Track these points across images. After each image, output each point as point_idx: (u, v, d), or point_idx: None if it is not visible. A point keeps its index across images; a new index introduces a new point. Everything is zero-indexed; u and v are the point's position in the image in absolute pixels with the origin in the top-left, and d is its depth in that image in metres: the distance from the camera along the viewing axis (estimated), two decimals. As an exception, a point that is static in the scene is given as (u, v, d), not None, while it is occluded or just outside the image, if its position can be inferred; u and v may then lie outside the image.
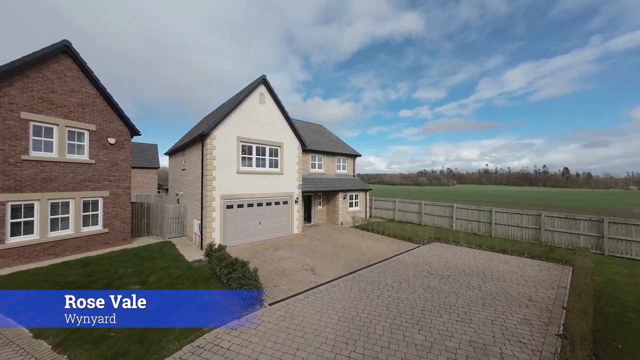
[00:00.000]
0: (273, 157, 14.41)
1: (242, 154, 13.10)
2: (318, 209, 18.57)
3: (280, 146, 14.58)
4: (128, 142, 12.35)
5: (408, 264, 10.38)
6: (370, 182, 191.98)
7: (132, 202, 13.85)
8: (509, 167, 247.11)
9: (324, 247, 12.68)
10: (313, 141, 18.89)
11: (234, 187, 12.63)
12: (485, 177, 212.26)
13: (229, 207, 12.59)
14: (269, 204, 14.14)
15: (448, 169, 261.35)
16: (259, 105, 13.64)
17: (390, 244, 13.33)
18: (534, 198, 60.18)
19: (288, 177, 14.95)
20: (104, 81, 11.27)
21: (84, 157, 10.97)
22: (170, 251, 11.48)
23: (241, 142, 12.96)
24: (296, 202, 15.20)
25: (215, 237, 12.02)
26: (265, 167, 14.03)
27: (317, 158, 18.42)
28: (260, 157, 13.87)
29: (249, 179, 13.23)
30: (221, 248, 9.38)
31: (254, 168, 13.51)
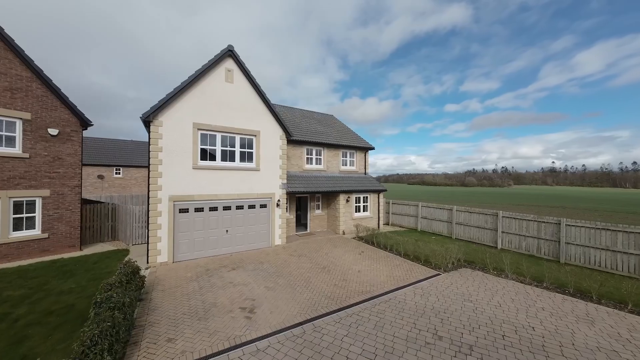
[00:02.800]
0: (246, 150, 11.55)
1: (202, 144, 10.50)
2: (315, 214, 15.21)
3: (255, 135, 11.66)
4: (77, 134, 10.68)
5: (408, 310, 6.49)
6: (409, 183, 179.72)
7: (92, 202, 12.35)
8: (583, 165, 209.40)
9: (299, 267, 9.36)
10: (312, 131, 15.62)
11: (189, 186, 10.08)
12: (552, 176, 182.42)
13: (183, 211, 10.07)
14: (239, 207, 11.31)
15: (503, 167, 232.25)
16: (225, 85, 10.91)
17: (395, 268, 9.39)
18: (627, 202, 47.16)
19: (267, 175, 11.94)
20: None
21: (15, 150, 9.44)
22: (107, 264, 9.37)
23: (200, 130, 10.36)
24: (278, 205, 12.11)
25: (163, 248, 9.59)
26: (234, 161, 11.24)
27: (314, 151, 15.09)
28: (228, 149, 11.13)
29: (211, 176, 10.56)
30: (131, 270, 6.78)
31: (218, 163, 10.81)
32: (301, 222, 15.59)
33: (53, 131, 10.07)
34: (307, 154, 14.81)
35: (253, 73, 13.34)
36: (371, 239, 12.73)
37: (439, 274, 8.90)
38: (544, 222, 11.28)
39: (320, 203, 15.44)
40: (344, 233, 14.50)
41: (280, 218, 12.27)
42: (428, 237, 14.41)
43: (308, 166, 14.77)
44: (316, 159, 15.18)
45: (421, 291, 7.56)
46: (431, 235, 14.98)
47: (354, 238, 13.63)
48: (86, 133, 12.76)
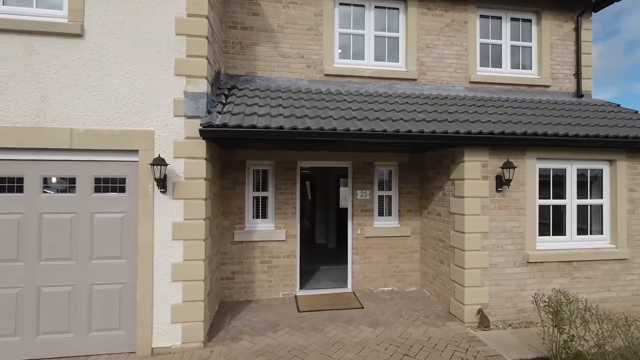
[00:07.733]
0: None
1: None
2: (374, 231, 4.46)
3: None
4: None
5: None
6: None
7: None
8: None
9: None
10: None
11: None
12: None
13: None
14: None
15: None
16: None
17: None
18: None
19: (115, 57, 2.75)
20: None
21: None
22: None
23: None
24: (163, 189, 2.72)
25: None
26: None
27: (370, 16, 4.48)
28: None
29: None
30: None
31: None
32: (328, 256, 5.50)
33: None
34: (342, 25, 4.43)
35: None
36: None
37: None
38: None
39: (394, 193, 4.63)
40: (480, 324, 3.21)
41: (192, 240, 2.82)
42: None
43: (343, 63, 4.37)
44: (377, 39, 4.53)
45: None
46: None
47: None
48: None
